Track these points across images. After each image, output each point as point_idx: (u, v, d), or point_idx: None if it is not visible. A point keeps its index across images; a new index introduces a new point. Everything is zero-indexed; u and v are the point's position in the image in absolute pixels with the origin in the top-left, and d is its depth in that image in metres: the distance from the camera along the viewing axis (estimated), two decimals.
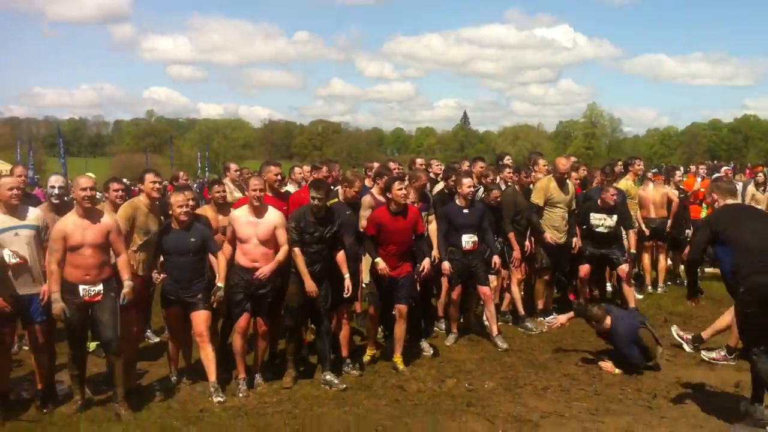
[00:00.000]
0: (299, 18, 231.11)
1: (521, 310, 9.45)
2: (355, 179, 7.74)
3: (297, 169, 10.44)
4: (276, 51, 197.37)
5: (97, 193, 6.80)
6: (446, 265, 8.28)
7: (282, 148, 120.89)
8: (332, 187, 8.34)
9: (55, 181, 7.01)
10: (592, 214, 9.67)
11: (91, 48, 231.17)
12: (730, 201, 6.25)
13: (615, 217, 9.64)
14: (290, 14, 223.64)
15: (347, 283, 7.22)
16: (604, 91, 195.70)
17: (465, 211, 8.37)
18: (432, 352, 8.17)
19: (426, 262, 7.84)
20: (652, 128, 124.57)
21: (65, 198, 7.88)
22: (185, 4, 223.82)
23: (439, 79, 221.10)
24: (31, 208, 6.60)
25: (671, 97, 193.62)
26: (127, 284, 6.45)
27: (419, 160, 11.00)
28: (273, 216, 7.12)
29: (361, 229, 7.69)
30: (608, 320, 7.69)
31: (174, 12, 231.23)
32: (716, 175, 14.73)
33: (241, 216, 7.10)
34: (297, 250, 7.04)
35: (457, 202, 8.44)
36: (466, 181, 8.40)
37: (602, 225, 9.63)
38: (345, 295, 7.32)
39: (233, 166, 10.84)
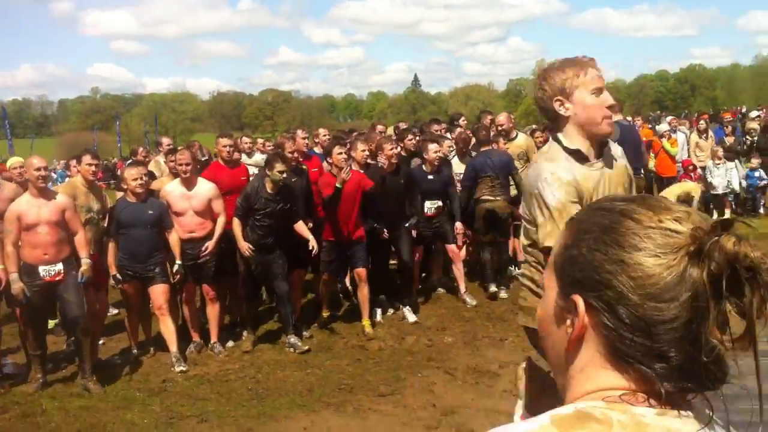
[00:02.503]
0: None
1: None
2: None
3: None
4: (221, 21, 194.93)
5: (52, 172, 6.80)
6: (413, 221, 8.21)
7: (232, 119, 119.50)
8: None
9: None
10: None
11: (30, 26, 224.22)
12: None
13: None
14: None
15: (312, 243, 7.23)
16: (553, 47, 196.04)
17: (430, 177, 8.35)
18: (415, 318, 8.01)
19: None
20: None
21: None
22: None
23: (389, 42, 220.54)
24: None
25: (619, 50, 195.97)
26: (85, 262, 6.48)
27: (380, 127, 10.86)
28: (205, 187, 7.27)
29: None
30: None
31: None
32: (662, 125, 15.06)
33: (174, 190, 7.19)
34: (236, 220, 7.13)
35: (424, 167, 8.41)
36: (432, 146, 8.33)
37: None
38: (312, 254, 7.34)
39: (165, 141, 10.65)
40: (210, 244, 7.17)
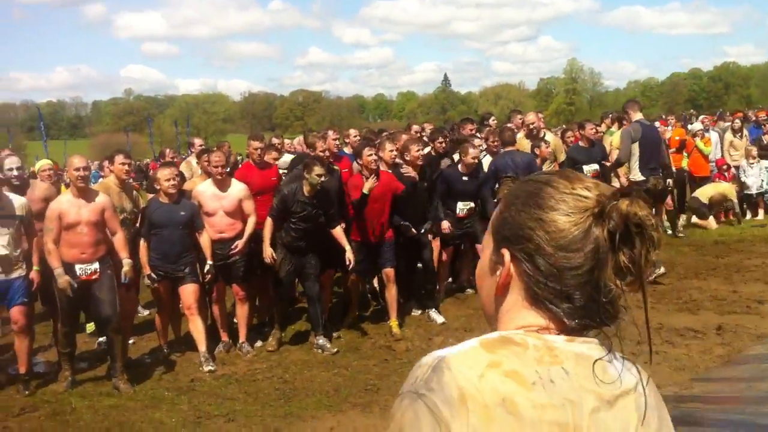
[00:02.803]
0: None
1: None
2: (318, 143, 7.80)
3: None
4: (251, 22, 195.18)
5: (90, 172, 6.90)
6: (445, 224, 8.24)
7: (264, 120, 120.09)
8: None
9: (11, 162, 7.01)
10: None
11: (64, 29, 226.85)
12: None
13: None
14: None
15: (348, 255, 7.23)
16: (584, 46, 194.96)
17: (464, 178, 8.31)
18: (443, 320, 7.99)
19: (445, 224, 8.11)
20: (632, 80, 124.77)
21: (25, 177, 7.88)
22: None
23: (418, 42, 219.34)
24: (15, 198, 6.54)
25: (651, 48, 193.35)
26: (126, 262, 6.59)
27: (415, 127, 10.79)
28: (237, 188, 7.32)
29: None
30: None
31: None
32: (695, 124, 14.86)
33: (206, 190, 7.23)
34: (269, 220, 7.15)
35: (460, 168, 8.36)
36: (473, 151, 8.30)
37: None
38: (348, 267, 7.37)
39: (197, 141, 10.76)
40: (240, 243, 7.24)
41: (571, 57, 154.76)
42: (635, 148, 9.17)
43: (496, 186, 8.59)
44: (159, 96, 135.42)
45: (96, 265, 6.38)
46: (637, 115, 9.57)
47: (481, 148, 9.39)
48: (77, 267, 6.30)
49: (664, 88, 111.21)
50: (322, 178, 7.01)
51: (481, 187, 8.44)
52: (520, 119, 10.67)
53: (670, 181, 11.75)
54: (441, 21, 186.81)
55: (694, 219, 12.37)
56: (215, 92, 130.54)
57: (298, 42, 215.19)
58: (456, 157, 8.74)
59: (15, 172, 6.91)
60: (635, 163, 9.24)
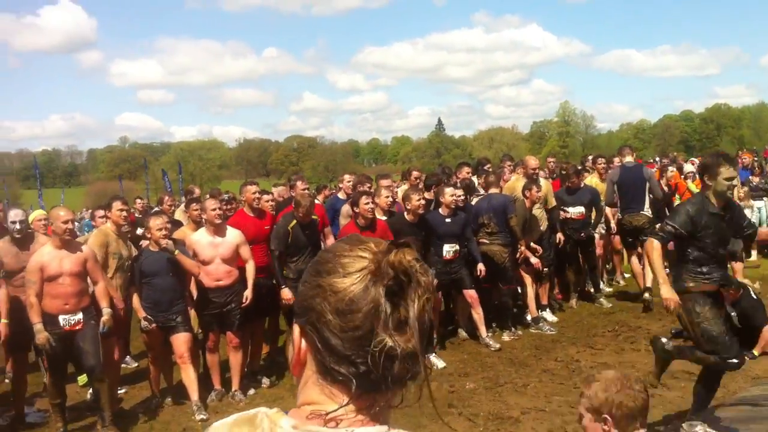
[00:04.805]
0: (267, 35, 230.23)
1: (534, 312, 9.48)
2: (303, 200, 7.73)
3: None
4: (246, 69, 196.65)
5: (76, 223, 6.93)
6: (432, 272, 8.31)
7: (259, 165, 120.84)
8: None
9: (15, 215, 7.05)
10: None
11: (59, 77, 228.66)
12: None
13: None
14: (258, 31, 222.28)
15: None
16: (577, 88, 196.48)
17: (447, 220, 8.38)
18: (444, 365, 7.97)
19: None
20: (625, 123, 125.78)
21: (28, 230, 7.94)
22: (151, 27, 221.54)
23: (412, 86, 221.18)
24: None
25: (643, 90, 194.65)
26: (106, 311, 6.53)
27: (415, 173, 10.90)
28: (233, 234, 7.33)
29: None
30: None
31: (139, 35, 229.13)
32: (686, 166, 14.98)
33: (201, 239, 7.25)
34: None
35: (440, 211, 8.45)
36: (449, 190, 8.44)
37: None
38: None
39: (197, 190, 10.84)
40: (248, 293, 7.28)
41: (563, 100, 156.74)
42: (616, 189, 9.94)
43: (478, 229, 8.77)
44: (155, 143, 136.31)
45: (80, 316, 6.37)
46: (626, 159, 9.99)
47: (480, 192, 9.54)
48: (61, 318, 6.28)
49: (656, 130, 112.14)
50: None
51: (464, 228, 8.51)
52: (510, 164, 10.79)
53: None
54: (433, 66, 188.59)
55: None
56: (211, 139, 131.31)
57: (292, 88, 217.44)
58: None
59: (18, 226, 6.95)
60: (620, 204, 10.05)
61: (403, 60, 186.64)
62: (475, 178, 10.34)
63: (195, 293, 7.40)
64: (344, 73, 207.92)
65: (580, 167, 11.26)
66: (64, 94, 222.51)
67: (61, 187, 76.01)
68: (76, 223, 20.21)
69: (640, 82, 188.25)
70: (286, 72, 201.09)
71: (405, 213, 8.09)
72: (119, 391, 7.69)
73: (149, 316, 6.91)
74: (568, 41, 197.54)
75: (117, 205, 7.29)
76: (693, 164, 14.60)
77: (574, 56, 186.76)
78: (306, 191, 8.43)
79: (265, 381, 7.76)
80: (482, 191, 9.57)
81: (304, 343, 1.17)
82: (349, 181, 9.85)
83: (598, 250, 11.06)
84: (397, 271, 1.10)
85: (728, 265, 7.86)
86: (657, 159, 16.18)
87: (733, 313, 7.49)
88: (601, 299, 10.40)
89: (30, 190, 65.16)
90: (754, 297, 7.79)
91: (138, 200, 14.16)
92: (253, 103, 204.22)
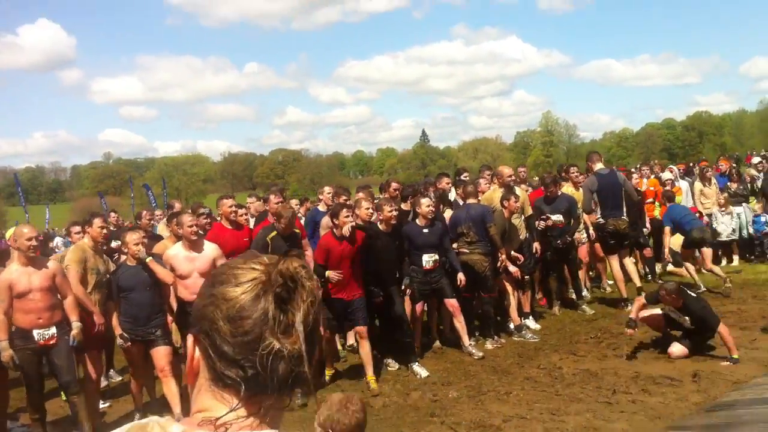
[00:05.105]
0: (248, 50, 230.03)
1: (516, 320, 9.53)
2: (284, 212, 7.73)
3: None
4: (228, 84, 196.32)
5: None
6: (406, 281, 8.37)
7: (244, 179, 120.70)
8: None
9: None
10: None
11: (40, 95, 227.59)
12: None
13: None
14: (238, 47, 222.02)
15: None
16: (558, 99, 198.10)
17: (425, 230, 8.41)
18: (427, 374, 7.96)
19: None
20: (608, 131, 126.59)
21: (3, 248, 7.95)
22: (130, 44, 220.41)
23: (395, 99, 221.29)
24: None
25: (624, 99, 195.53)
26: (75, 325, 6.55)
27: (394, 184, 10.95)
28: (210, 248, 7.35)
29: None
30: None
31: (119, 53, 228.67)
32: (664, 174, 15.06)
33: (178, 253, 7.24)
34: None
35: (417, 222, 8.49)
36: (425, 201, 8.49)
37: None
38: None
39: (177, 205, 10.82)
40: None
41: (545, 110, 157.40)
42: (595, 197, 10.19)
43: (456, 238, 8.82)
44: (139, 159, 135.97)
45: (53, 330, 6.38)
46: (597, 166, 10.23)
47: (458, 201, 9.61)
48: (35, 332, 6.29)
49: (639, 139, 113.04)
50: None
51: (442, 238, 8.55)
52: (488, 174, 10.84)
53: (645, 230, 12.01)
54: (415, 79, 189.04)
55: (670, 267, 12.47)
56: (195, 153, 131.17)
57: (275, 102, 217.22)
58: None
59: None
60: (598, 210, 10.34)
61: (385, 73, 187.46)
62: (453, 190, 10.39)
63: (174, 306, 7.38)
64: (326, 86, 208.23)
65: (557, 176, 11.36)
66: (46, 111, 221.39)
67: (45, 203, 75.53)
68: (59, 239, 20.19)
69: (621, 92, 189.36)
70: (268, 86, 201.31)
71: (378, 223, 8.11)
72: (103, 405, 7.68)
73: (125, 334, 6.91)
74: (547, 52, 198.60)
75: (98, 222, 7.28)
76: (671, 171, 14.71)
77: (554, 67, 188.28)
78: (281, 204, 8.40)
79: None
80: (461, 201, 9.60)
81: (197, 352, 1.22)
82: (329, 193, 9.89)
83: (584, 258, 11.16)
84: (285, 278, 1.17)
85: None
86: (636, 167, 16.20)
87: (686, 318, 7.67)
88: (584, 306, 10.46)
89: (15, 207, 64.79)
90: (694, 295, 8.01)
91: (112, 213, 14.29)
92: (236, 117, 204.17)
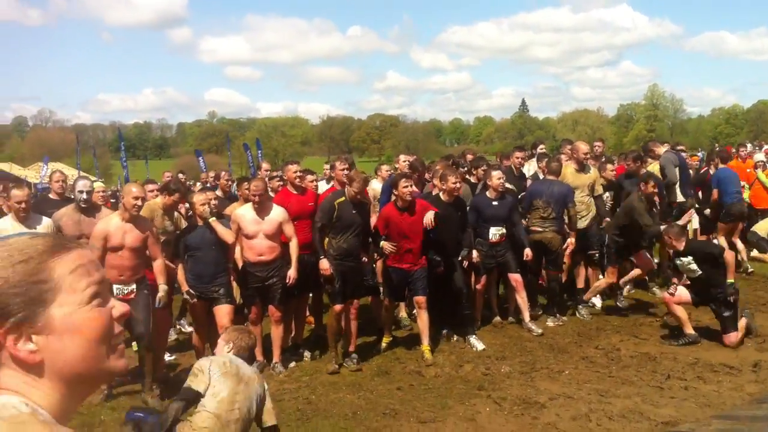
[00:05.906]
0: (352, 13, 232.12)
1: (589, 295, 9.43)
2: (357, 177, 7.72)
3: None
4: (331, 47, 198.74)
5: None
6: (474, 254, 8.37)
7: (341, 143, 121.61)
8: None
9: (83, 186, 7.41)
10: None
11: (151, 53, 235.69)
12: None
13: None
14: (343, 10, 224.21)
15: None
16: (666, 71, 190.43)
17: (494, 203, 8.40)
18: (483, 347, 7.98)
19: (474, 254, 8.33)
20: (717, 107, 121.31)
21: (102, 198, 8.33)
22: (240, 4, 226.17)
23: (496, 67, 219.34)
24: (44, 218, 7.02)
25: (736, 74, 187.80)
26: (163, 288, 6.90)
27: (469, 156, 10.84)
28: (277, 212, 7.50)
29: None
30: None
31: (229, 13, 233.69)
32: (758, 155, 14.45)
33: (246, 214, 7.45)
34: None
35: (487, 194, 8.48)
36: (495, 173, 8.45)
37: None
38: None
39: (265, 166, 11.10)
40: (291, 273, 7.47)
41: (652, 83, 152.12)
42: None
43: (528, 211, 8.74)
44: (241, 118, 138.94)
45: (133, 286, 6.70)
46: (662, 149, 10.31)
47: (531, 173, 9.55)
48: (115, 287, 6.57)
49: (749, 116, 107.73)
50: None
51: (512, 211, 8.49)
52: (569, 149, 10.62)
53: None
54: (518, 46, 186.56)
55: (755, 253, 12.03)
56: (294, 115, 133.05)
57: (376, 66, 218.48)
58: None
59: (84, 195, 7.31)
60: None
61: (488, 39, 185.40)
62: (534, 162, 10.26)
63: (240, 265, 7.64)
64: (428, 52, 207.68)
65: (640, 153, 11.01)
66: (155, 69, 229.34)
67: (150, 159, 78.14)
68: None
69: (734, 66, 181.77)
70: (370, 50, 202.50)
71: (440, 193, 8.10)
72: (169, 358, 8.04)
73: (191, 290, 7.20)
74: (659, 22, 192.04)
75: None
76: (766, 153, 14.08)
77: (664, 37, 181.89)
78: (347, 170, 8.45)
79: (307, 354, 7.98)
80: (541, 175, 9.51)
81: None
82: (404, 161, 9.85)
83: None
84: None
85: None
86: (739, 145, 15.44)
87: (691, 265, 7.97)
88: (654, 288, 10.20)
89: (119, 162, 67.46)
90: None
91: (180, 174, 15.16)
92: (337, 81, 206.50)
